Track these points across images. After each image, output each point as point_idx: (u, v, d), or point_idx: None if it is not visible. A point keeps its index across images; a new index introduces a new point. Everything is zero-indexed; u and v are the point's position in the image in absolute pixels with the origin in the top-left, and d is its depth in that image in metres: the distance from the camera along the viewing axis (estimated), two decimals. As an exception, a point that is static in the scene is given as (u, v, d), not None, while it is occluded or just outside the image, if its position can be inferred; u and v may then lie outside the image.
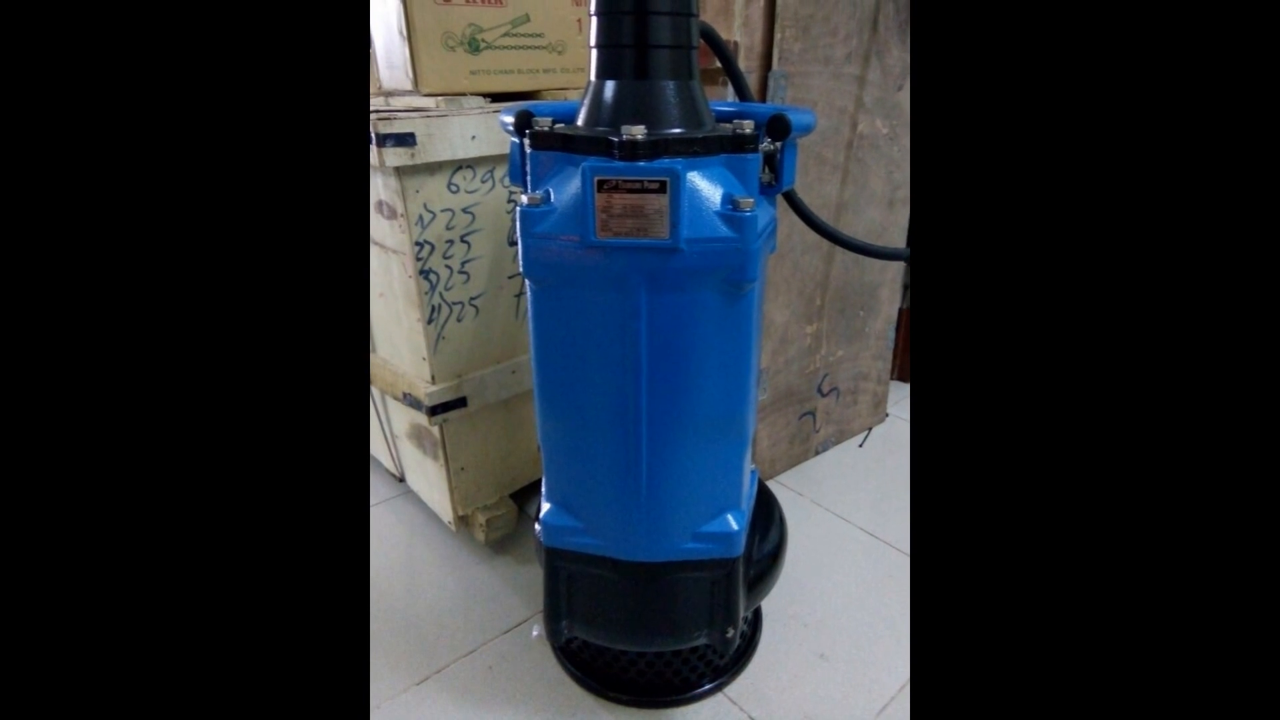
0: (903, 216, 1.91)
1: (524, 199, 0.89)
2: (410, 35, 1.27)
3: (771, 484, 1.85)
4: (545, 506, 1.12)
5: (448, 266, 1.35)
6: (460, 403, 1.43)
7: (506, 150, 1.30)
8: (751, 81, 1.42)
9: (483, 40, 1.35)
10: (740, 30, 1.40)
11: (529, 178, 0.93)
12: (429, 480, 1.63)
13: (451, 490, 1.53)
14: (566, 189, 0.88)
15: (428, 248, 1.31)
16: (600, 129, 0.89)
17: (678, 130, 0.89)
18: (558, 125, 0.91)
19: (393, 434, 1.71)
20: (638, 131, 0.83)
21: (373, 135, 1.17)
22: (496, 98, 1.40)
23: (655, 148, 0.84)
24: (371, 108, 1.31)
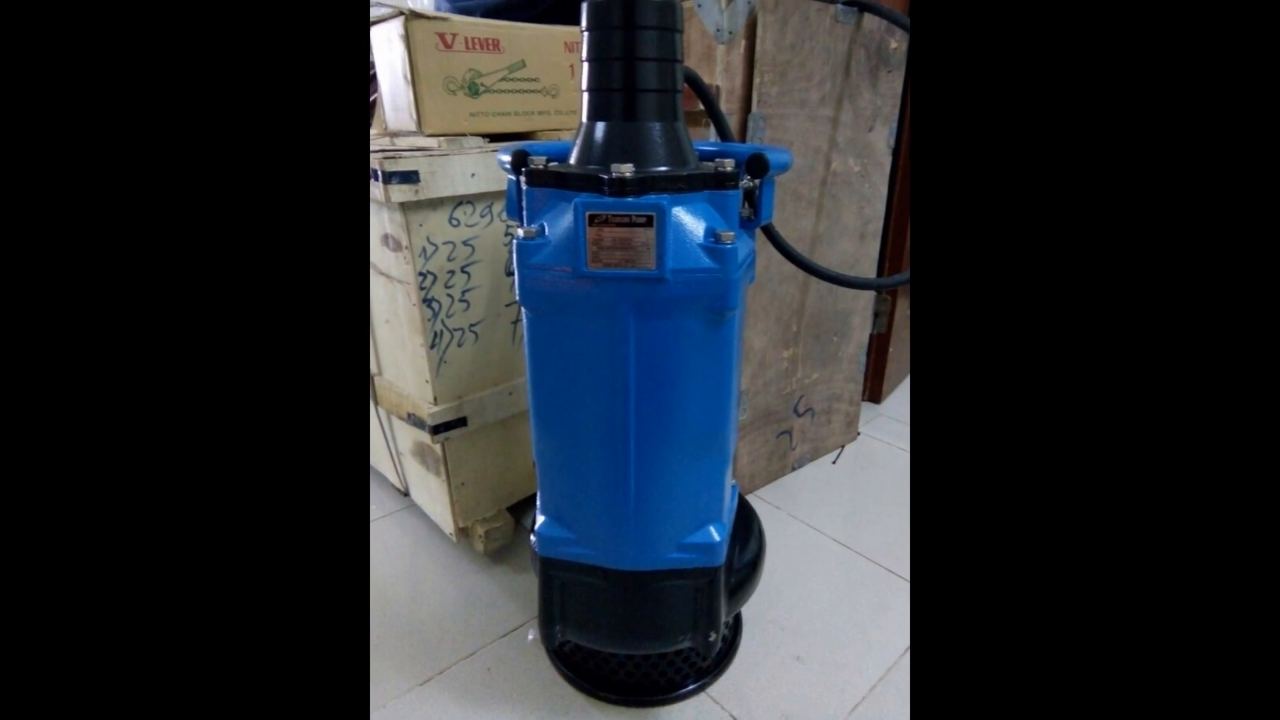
0: (873, 248, 1.91)
1: (520, 232, 0.89)
2: (414, 80, 1.27)
3: (751, 498, 1.85)
4: (540, 519, 1.11)
5: (449, 295, 1.35)
6: (461, 422, 1.43)
7: (504, 187, 1.30)
8: (732, 123, 1.42)
9: (482, 84, 1.36)
10: (722, 75, 1.41)
11: (525, 213, 0.93)
12: (431, 494, 1.62)
13: (452, 504, 1.52)
14: (560, 223, 0.88)
15: (430, 278, 1.31)
16: (591, 167, 0.89)
17: (664, 168, 0.89)
18: (551, 164, 0.91)
19: (398, 451, 1.70)
20: (626, 169, 0.83)
21: (379, 173, 1.17)
22: (495, 138, 1.41)
23: (643, 184, 0.84)
24: (379, 147, 1.31)
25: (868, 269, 1.93)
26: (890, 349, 2.29)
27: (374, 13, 1.29)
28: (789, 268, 1.65)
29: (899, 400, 2.42)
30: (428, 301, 1.32)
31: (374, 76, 1.44)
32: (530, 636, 1.38)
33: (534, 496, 1.16)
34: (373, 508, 1.82)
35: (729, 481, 1.14)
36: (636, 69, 0.87)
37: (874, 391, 2.37)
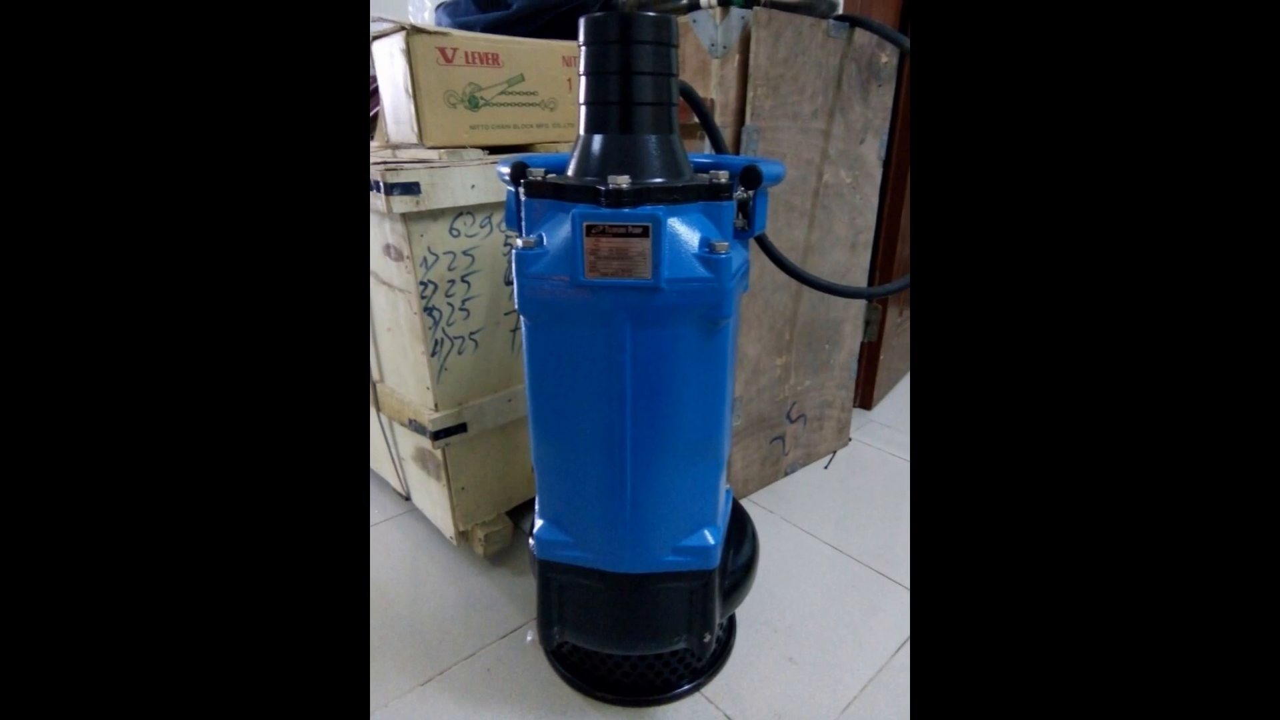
0: (864, 258, 1.92)
1: (519, 243, 0.89)
2: (415, 94, 1.28)
3: (745, 502, 1.84)
4: (538, 523, 1.11)
5: (449, 304, 1.35)
6: (461, 428, 1.43)
7: (503, 198, 1.31)
8: (726, 135, 1.43)
9: (481, 98, 1.36)
10: (716, 89, 1.41)
11: (523, 223, 0.94)
12: (432, 499, 1.62)
13: (453, 508, 1.52)
14: (558, 233, 0.88)
15: (431, 287, 1.31)
16: (588, 179, 0.89)
17: (659, 180, 0.89)
18: (550, 175, 0.92)
19: (399, 456, 1.70)
20: (623, 181, 0.83)
21: (381, 184, 1.17)
22: (494, 150, 1.41)
23: (639, 196, 0.84)
24: (381, 159, 1.31)
25: (859, 278, 1.93)
26: (881, 356, 2.29)
27: (376, 27, 1.29)
28: (782, 277, 1.65)
29: (889, 406, 2.43)
30: (429, 310, 1.32)
31: (376, 90, 1.44)
32: (529, 638, 1.38)
33: (533, 501, 1.16)
34: (374, 512, 1.82)
35: (723, 486, 1.14)
36: (633, 83, 0.87)
37: (865, 398, 2.37)
